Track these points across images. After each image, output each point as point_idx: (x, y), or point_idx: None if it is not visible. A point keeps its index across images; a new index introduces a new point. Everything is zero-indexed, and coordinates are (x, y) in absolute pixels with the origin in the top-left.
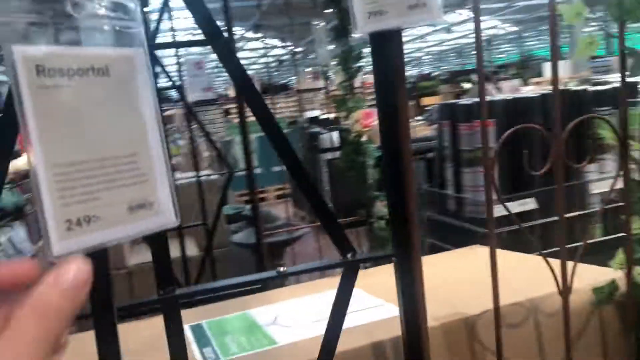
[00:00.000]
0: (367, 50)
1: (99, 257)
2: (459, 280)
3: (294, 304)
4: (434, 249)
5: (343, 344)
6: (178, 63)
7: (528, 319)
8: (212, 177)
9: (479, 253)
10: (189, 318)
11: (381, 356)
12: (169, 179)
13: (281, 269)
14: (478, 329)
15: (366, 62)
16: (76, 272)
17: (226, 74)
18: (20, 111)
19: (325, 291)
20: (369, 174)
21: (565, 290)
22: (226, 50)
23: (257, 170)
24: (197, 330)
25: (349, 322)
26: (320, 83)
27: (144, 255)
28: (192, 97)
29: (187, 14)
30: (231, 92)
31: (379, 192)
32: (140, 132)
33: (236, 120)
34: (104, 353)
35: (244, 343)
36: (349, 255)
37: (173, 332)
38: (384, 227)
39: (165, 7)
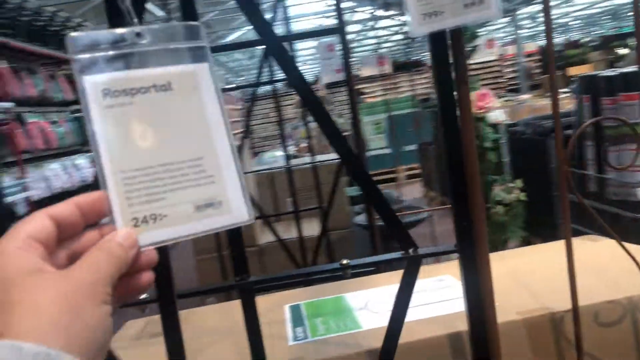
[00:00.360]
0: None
1: (161, 252)
2: (558, 272)
3: (387, 290)
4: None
5: (420, 333)
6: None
7: (625, 318)
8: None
9: (595, 243)
10: (291, 299)
11: (457, 348)
12: (240, 179)
13: (344, 261)
14: (564, 325)
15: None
16: (130, 236)
17: (357, 55)
18: (90, 129)
19: (422, 279)
20: (487, 157)
21: None
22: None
23: (388, 150)
24: (295, 310)
25: (433, 310)
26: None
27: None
28: (325, 79)
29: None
30: (363, 73)
31: (496, 175)
32: (206, 137)
33: (368, 100)
34: (169, 335)
35: (332, 325)
36: (410, 250)
37: (248, 313)
38: (502, 213)
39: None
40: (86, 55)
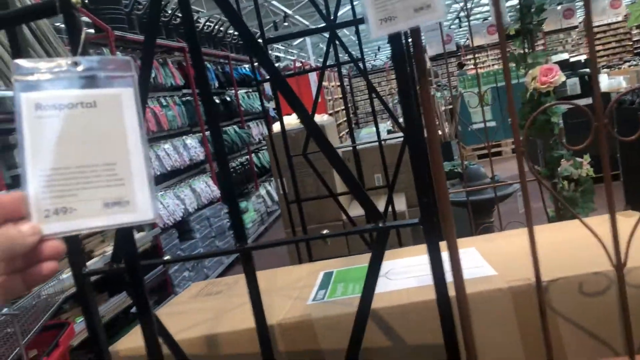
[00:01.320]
0: None
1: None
2: (564, 246)
3: (408, 261)
4: None
5: (415, 296)
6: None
7: (610, 289)
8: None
9: (625, 217)
10: (329, 266)
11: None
12: (150, 183)
13: (324, 232)
14: (550, 294)
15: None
16: (33, 226)
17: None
18: (20, 134)
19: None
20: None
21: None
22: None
23: (492, 123)
24: (326, 277)
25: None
26: (573, 21)
27: (356, 211)
28: (431, 51)
29: None
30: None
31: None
32: (121, 147)
33: (471, 72)
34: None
35: (349, 289)
36: (380, 223)
37: (248, 275)
38: (568, 189)
39: None
40: (26, 78)
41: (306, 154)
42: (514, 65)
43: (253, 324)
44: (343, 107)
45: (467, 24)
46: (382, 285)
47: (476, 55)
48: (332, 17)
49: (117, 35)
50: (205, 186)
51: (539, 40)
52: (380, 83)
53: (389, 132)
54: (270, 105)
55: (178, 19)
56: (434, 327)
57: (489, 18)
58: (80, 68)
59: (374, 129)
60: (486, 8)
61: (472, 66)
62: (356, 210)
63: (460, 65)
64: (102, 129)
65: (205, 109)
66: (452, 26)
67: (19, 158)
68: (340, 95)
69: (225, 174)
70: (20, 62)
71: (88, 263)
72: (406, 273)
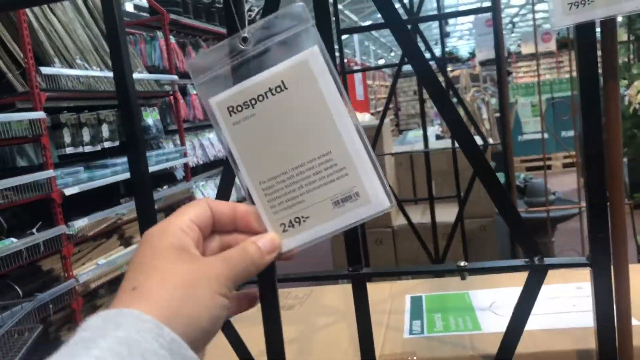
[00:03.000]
0: None
1: None
2: None
3: (516, 292)
4: None
5: (546, 344)
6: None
7: None
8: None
9: None
10: (414, 289)
11: None
12: (374, 164)
13: (462, 263)
14: None
15: None
16: (273, 242)
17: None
18: (226, 146)
19: (558, 283)
20: None
21: None
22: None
23: (545, 135)
24: (416, 302)
25: (565, 321)
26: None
27: (400, 220)
28: (480, 55)
29: None
30: (524, 49)
31: None
32: (330, 129)
33: (521, 80)
34: (267, 315)
35: (451, 323)
36: (535, 259)
37: (359, 304)
38: None
39: None
40: (206, 78)
41: None
42: None
43: (349, 356)
44: (383, 108)
45: (518, 29)
46: (491, 323)
47: (527, 64)
48: (414, 11)
49: (172, 18)
50: None
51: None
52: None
53: (437, 137)
54: None
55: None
56: None
57: (543, 25)
58: (250, 44)
59: (421, 132)
60: (539, 15)
61: (522, 74)
62: (400, 219)
63: (507, 73)
64: (301, 114)
65: None
66: (504, 31)
67: (236, 173)
68: (385, 95)
69: None
70: (194, 62)
71: (127, 249)
72: None
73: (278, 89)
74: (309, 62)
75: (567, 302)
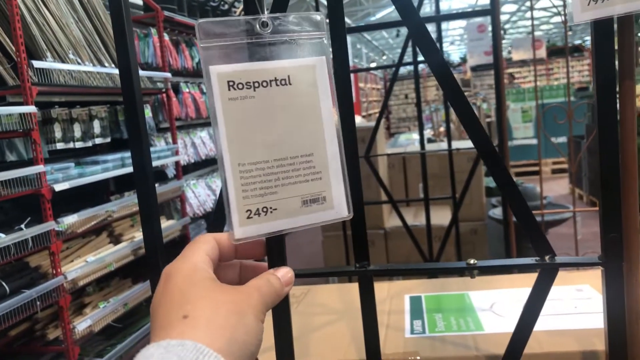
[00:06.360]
0: None
1: (276, 241)
2: None
3: (516, 293)
4: None
5: (550, 345)
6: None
7: None
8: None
9: None
10: (412, 289)
11: None
12: (344, 176)
13: (471, 261)
14: None
15: None
16: (290, 276)
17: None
18: (214, 119)
19: (557, 285)
20: None
21: None
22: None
23: (534, 141)
24: (415, 302)
25: (566, 322)
26: None
27: (394, 221)
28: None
29: None
30: (514, 56)
31: None
32: (317, 134)
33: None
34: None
35: (452, 323)
36: (547, 257)
37: (365, 300)
38: None
39: None
40: (214, 44)
41: (369, 156)
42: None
43: (351, 355)
44: (377, 111)
45: (509, 36)
46: (494, 323)
47: (519, 70)
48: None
49: (166, 16)
50: None
51: (586, 60)
52: (401, 90)
53: (429, 140)
54: None
55: (227, 6)
56: None
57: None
58: (269, 30)
59: (413, 135)
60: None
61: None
62: (392, 221)
63: (512, 77)
64: (297, 112)
65: None
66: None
67: (215, 145)
68: (376, 98)
69: None
70: (205, 23)
71: (117, 247)
72: (519, 309)
73: (283, 82)
74: (316, 68)
75: (568, 304)
